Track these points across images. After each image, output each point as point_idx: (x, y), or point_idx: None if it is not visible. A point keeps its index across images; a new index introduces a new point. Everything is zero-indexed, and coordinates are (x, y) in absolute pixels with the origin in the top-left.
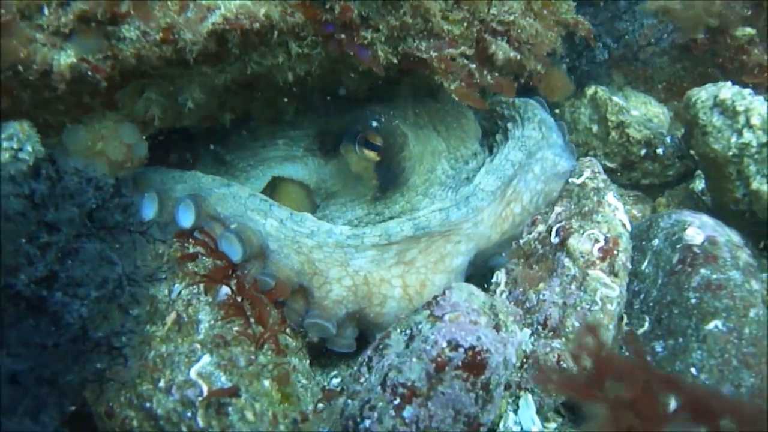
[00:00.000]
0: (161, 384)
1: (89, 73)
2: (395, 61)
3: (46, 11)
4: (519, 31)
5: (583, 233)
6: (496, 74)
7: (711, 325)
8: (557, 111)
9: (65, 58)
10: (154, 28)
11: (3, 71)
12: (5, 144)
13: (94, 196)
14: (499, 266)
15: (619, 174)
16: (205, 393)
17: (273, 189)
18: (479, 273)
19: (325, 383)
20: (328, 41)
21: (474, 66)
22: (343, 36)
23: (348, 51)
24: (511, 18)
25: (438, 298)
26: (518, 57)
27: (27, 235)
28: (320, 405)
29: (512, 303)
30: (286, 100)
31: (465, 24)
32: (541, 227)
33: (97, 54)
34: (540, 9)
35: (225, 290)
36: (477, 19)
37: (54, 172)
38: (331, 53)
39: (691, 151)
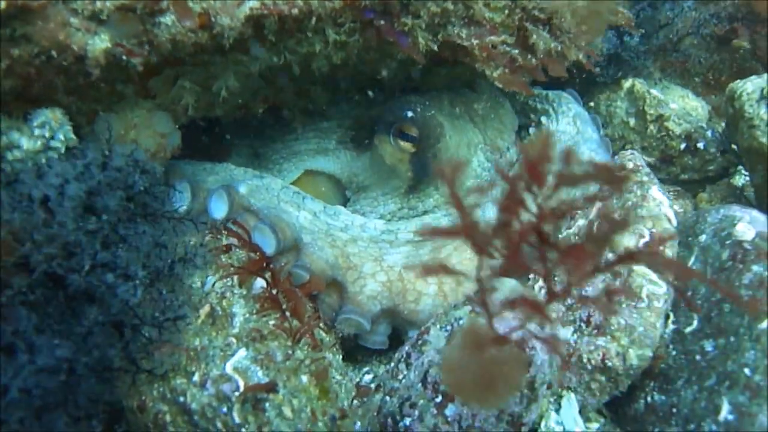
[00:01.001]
0: (195, 378)
1: (124, 57)
2: (435, 48)
3: None
4: (561, 19)
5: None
6: (541, 56)
7: (765, 324)
8: (591, 104)
9: (99, 43)
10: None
11: (37, 56)
12: (37, 132)
13: (140, 180)
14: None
15: (657, 169)
16: (242, 388)
17: (303, 182)
18: None
19: (358, 379)
20: (366, 28)
21: (516, 51)
22: (382, 22)
23: (387, 38)
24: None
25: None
26: (559, 47)
27: (75, 221)
28: (355, 402)
29: None
30: (318, 90)
31: (506, 11)
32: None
33: (132, 39)
34: None
35: (260, 283)
36: (519, 6)
37: (107, 157)
38: (369, 40)
39: (733, 146)
